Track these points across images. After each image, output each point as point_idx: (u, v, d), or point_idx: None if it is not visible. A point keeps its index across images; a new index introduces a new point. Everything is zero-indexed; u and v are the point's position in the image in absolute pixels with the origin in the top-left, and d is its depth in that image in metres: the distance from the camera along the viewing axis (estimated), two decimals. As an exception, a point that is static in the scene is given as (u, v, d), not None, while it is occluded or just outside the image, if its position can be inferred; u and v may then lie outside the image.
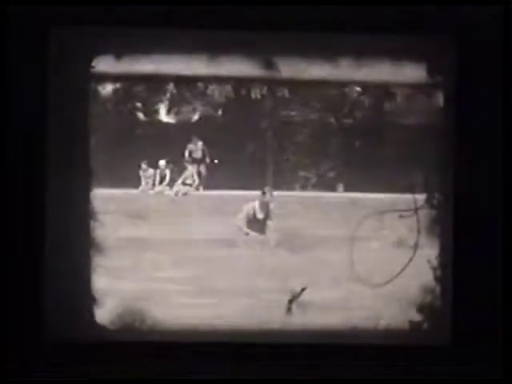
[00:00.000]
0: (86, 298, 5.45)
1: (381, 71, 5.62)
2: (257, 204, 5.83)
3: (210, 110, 5.87)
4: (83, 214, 5.49)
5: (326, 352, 5.41)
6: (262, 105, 5.78)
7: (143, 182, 5.84)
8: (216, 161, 5.92)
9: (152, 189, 5.89)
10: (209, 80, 5.72)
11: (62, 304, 5.37)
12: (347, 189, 5.85)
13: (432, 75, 5.60)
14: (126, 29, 5.42)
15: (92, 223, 5.51)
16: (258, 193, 5.84)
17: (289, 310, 5.66)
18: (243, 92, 5.79)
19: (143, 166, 5.80)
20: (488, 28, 5.36)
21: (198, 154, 5.95)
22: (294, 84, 5.73)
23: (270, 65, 5.59)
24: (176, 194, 5.94)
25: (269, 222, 5.87)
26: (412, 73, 5.63)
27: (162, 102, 5.87)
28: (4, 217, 5.22)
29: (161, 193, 5.93)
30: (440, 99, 5.63)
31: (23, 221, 5.27)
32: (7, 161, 5.25)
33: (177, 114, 5.91)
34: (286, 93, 5.78)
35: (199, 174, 5.97)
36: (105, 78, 5.61)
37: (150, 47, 5.49)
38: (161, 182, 5.93)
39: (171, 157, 5.89)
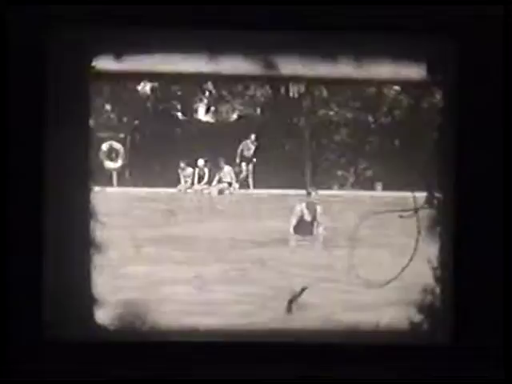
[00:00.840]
0: (86, 298, 5.45)
1: (381, 71, 5.62)
2: (304, 205, 5.81)
3: (248, 110, 5.88)
4: (83, 214, 5.48)
5: (326, 352, 5.40)
6: (299, 104, 5.79)
7: (182, 181, 5.85)
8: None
9: (191, 187, 5.89)
10: (208, 79, 5.72)
11: (62, 304, 5.36)
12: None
13: (432, 75, 5.60)
14: (126, 29, 5.41)
15: (92, 223, 5.51)
16: (299, 192, 5.81)
17: (289, 310, 5.66)
18: (282, 91, 5.79)
19: (182, 165, 5.81)
20: (488, 28, 5.36)
21: (249, 153, 5.95)
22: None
23: (269, 65, 5.59)
24: (221, 193, 5.94)
25: (316, 223, 5.86)
26: (412, 73, 5.63)
27: (200, 101, 5.88)
28: (4, 217, 5.21)
29: (200, 191, 5.93)
30: (440, 99, 5.63)
31: (23, 221, 5.27)
32: (7, 160, 5.24)
33: (215, 113, 5.92)
34: (325, 92, 5.79)
35: (248, 172, 5.96)
36: (105, 77, 5.61)
37: (150, 47, 5.48)
38: (199, 181, 5.92)
39: (209, 157, 5.90)
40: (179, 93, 5.91)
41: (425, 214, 5.66)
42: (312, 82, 5.76)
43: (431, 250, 5.63)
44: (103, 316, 5.49)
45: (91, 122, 5.51)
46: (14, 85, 5.25)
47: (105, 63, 5.50)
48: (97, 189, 5.50)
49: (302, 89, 5.79)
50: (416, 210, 5.64)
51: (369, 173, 5.89)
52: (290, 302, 5.66)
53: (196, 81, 5.77)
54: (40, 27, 5.27)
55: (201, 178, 5.95)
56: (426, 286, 5.61)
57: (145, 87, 5.92)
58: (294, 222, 5.87)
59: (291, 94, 5.83)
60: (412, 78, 5.64)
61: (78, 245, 5.46)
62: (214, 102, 5.94)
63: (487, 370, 5.21)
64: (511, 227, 5.27)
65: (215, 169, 5.98)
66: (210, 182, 5.99)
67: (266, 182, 5.92)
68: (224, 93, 5.91)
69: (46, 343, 5.31)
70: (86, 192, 5.50)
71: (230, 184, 6.00)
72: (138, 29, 5.38)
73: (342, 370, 5.28)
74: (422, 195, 5.66)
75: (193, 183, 5.92)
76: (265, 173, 5.91)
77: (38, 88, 5.32)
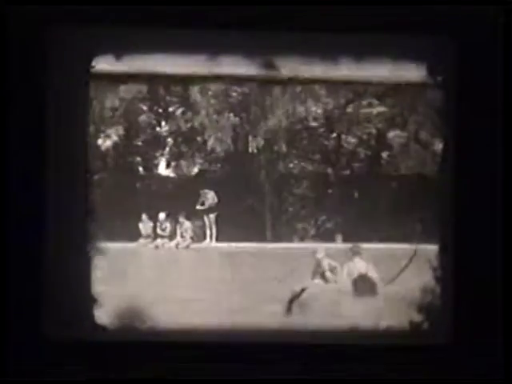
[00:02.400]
0: (86, 299, 5.45)
1: (381, 71, 5.62)
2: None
3: (208, 164, 5.90)
4: (83, 214, 5.48)
5: (326, 352, 5.40)
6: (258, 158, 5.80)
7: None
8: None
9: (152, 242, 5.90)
10: (208, 80, 5.73)
11: (62, 304, 5.36)
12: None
13: (432, 75, 5.60)
14: (126, 29, 5.41)
15: (92, 223, 5.51)
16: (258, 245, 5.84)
17: (289, 310, 5.66)
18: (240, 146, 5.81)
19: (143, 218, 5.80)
20: (488, 28, 5.36)
21: (209, 204, 5.95)
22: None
23: (269, 65, 5.59)
24: (176, 247, 5.94)
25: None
26: (412, 73, 5.63)
27: (161, 156, 5.90)
28: (4, 217, 5.21)
29: (161, 246, 5.93)
30: (440, 99, 5.63)
31: (23, 221, 5.26)
32: (7, 160, 5.24)
33: (176, 167, 5.94)
34: (283, 146, 5.79)
35: (211, 223, 5.98)
36: (105, 78, 5.61)
37: (150, 47, 5.48)
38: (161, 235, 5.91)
39: (171, 210, 5.89)
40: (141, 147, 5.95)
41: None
42: (312, 82, 5.77)
43: (431, 250, 5.63)
44: (103, 316, 5.49)
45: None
46: (14, 85, 5.25)
47: (105, 64, 5.51)
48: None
49: (261, 143, 5.84)
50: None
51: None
52: (290, 302, 5.67)
53: (196, 81, 5.78)
54: (40, 27, 5.28)
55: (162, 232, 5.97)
56: (426, 286, 5.61)
57: (105, 142, 5.94)
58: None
59: (250, 150, 5.87)
60: (412, 78, 5.65)
61: (78, 245, 5.47)
62: (175, 157, 5.97)
63: (487, 369, 5.20)
64: (511, 228, 5.26)
65: (176, 223, 5.98)
66: (170, 237, 5.99)
67: (228, 235, 5.91)
68: (184, 148, 5.95)
69: (46, 343, 5.31)
70: (86, 189, 5.51)
71: (191, 238, 6.02)
72: (137, 30, 5.39)
73: (342, 370, 5.28)
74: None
75: (154, 237, 5.92)
76: (226, 226, 5.91)
77: (39, 88, 5.32)
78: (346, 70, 5.59)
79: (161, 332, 5.51)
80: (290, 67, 5.60)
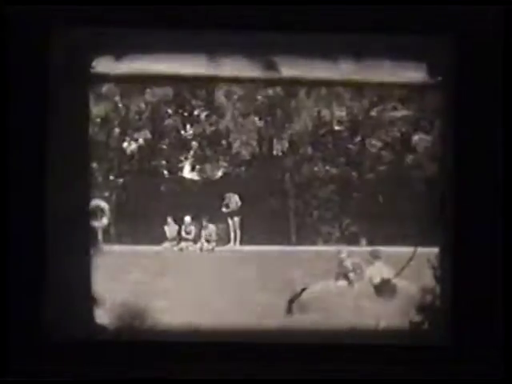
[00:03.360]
0: (86, 298, 5.45)
1: (381, 71, 5.62)
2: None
3: (233, 167, 5.94)
4: (83, 214, 5.49)
5: (325, 352, 5.40)
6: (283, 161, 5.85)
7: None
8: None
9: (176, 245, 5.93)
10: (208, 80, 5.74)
11: (62, 304, 5.36)
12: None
13: (432, 75, 5.60)
14: (126, 29, 5.41)
15: (92, 223, 5.51)
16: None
17: (289, 310, 5.66)
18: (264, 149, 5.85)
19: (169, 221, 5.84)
20: (488, 28, 5.35)
21: (233, 207, 5.97)
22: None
23: (270, 65, 5.59)
24: (201, 250, 5.97)
25: None
26: (412, 73, 5.62)
27: (186, 159, 5.94)
28: (5, 217, 5.22)
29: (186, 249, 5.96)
30: (440, 99, 5.63)
31: (23, 221, 5.27)
32: (8, 161, 5.25)
33: (200, 171, 5.97)
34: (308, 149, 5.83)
35: (235, 226, 6.01)
36: (105, 78, 5.62)
37: (150, 47, 5.48)
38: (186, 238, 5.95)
39: (195, 213, 5.93)
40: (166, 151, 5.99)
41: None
42: (312, 84, 5.77)
43: (431, 250, 5.63)
44: (103, 316, 5.50)
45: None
46: (14, 85, 5.25)
47: (105, 64, 5.51)
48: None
49: (286, 146, 5.87)
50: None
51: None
52: (290, 302, 5.67)
53: (196, 82, 5.78)
54: (40, 28, 5.28)
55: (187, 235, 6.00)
56: (426, 286, 5.61)
57: (130, 145, 5.98)
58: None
59: (275, 152, 5.90)
60: (412, 78, 5.64)
61: (78, 245, 5.48)
62: (200, 160, 6.00)
63: (487, 369, 5.20)
64: (511, 228, 5.26)
65: (200, 226, 6.01)
66: (195, 240, 6.02)
67: (252, 238, 5.94)
68: (208, 151, 5.99)
69: (46, 343, 5.32)
70: (86, 189, 5.52)
71: (215, 242, 6.05)
72: (137, 30, 5.39)
73: (342, 370, 5.28)
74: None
75: (179, 240, 5.95)
76: (250, 229, 5.94)
77: (39, 88, 5.32)
78: (346, 70, 5.60)
79: (161, 332, 5.51)
80: (290, 67, 5.61)
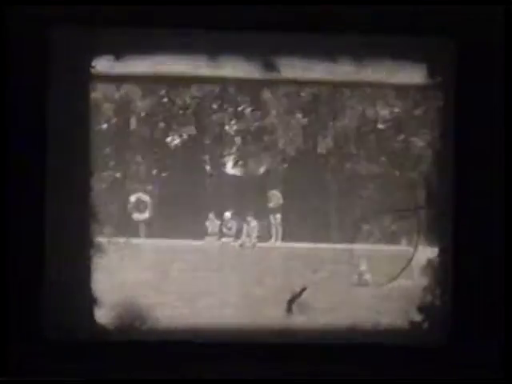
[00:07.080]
0: (86, 298, 5.45)
1: (381, 71, 5.62)
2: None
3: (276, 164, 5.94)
4: (83, 214, 5.49)
5: (325, 352, 5.40)
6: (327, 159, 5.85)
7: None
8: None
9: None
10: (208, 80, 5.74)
11: (62, 304, 5.37)
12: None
13: (432, 75, 5.60)
14: (126, 29, 5.41)
15: (92, 223, 5.51)
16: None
17: (289, 310, 5.66)
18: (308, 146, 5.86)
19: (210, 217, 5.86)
20: (488, 28, 5.36)
21: (275, 204, 5.98)
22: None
23: (270, 65, 5.59)
24: (241, 246, 5.99)
25: None
26: (412, 73, 5.63)
27: (229, 154, 5.95)
28: (4, 217, 5.22)
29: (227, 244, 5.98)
30: (440, 99, 5.63)
31: (23, 221, 5.28)
32: (8, 161, 5.25)
33: (243, 166, 5.98)
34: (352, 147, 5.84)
35: (276, 223, 6.01)
36: (105, 78, 5.62)
37: (149, 47, 5.49)
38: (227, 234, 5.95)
39: (237, 209, 5.94)
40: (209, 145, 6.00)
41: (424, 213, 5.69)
42: (312, 84, 5.77)
43: (431, 250, 5.63)
44: (103, 316, 5.50)
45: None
46: (14, 85, 5.26)
47: (105, 64, 5.51)
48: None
49: (330, 144, 5.88)
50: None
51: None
52: (290, 301, 5.67)
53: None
54: (40, 27, 5.28)
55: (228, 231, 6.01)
56: (426, 286, 5.61)
57: (174, 140, 5.99)
58: None
59: (319, 150, 5.91)
60: (412, 78, 5.65)
61: (78, 245, 5.48)
62: (242, 156, 6.01)
63: (486, 369, 5.20)
64: (510, 228, 5.26)
65: (241, 222, 6.02)
66: (236, 236, 6.03)
67: (293, 235, 5.96)
68: (252, 147, 5.99)
69: (46, 343, 5.32)
70: (86, 189, 5.52)
71: (256, 238, 6.04)
72: (137, 30, 5.39)
73: (342, 370, 5.28)
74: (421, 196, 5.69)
75: (220, 236, 5.96)
76: (291, 226, 5.95)
77: (39, 88, 5.33)
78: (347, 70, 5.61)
79: (161, 332, 5.51)
80: (290, 68, 5.62)
